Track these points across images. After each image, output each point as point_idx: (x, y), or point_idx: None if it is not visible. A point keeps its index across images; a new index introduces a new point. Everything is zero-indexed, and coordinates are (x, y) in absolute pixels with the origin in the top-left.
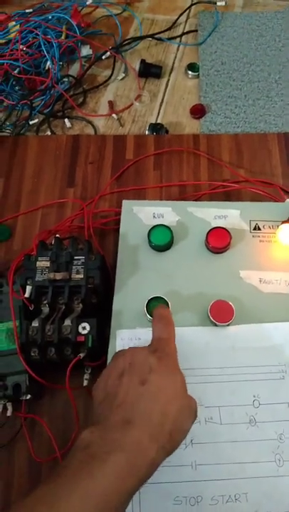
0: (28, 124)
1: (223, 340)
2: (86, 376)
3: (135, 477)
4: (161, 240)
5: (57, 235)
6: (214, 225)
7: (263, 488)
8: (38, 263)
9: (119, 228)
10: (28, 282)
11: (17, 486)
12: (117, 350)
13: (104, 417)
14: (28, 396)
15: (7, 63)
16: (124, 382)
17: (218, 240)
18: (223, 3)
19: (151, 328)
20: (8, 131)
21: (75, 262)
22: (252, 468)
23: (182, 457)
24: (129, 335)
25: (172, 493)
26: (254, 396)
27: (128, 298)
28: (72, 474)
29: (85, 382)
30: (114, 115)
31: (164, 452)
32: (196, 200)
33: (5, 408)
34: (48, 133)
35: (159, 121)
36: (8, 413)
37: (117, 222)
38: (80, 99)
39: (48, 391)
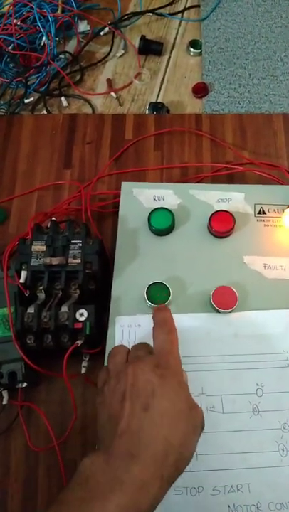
0: (23, 102)
1: (225, 328)
2: (84, 363)
3: None
4: (162, 224)
5: (53, 218)
6: (217, 208)
7: (265, 478)
8: (33, 247)
9: (118, 211)
10: (23, 267)
11: (14, 474)
12: (116, 337)
13: (107, 445)
14: (24, 384)
15: (0, 38)
16: (126, 408)
17: (222, 224)
18: None
19: (151, 315)
20: (2, 110)
21: (72, 247)
22: (254, 458)
23: None
24: (128, 321)
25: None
26: (257, 384)
27: (127, 283)
28: (72, 508)
29: (83, 370)
30: (112, 94)
31: (168, 484)
32: (198, 182)
33: (0, 396)
34: (44, 112)
35: (159, 100)
36: (4, 401)
37: (116, 205)
38: (78, 77)
39: (45, 379)
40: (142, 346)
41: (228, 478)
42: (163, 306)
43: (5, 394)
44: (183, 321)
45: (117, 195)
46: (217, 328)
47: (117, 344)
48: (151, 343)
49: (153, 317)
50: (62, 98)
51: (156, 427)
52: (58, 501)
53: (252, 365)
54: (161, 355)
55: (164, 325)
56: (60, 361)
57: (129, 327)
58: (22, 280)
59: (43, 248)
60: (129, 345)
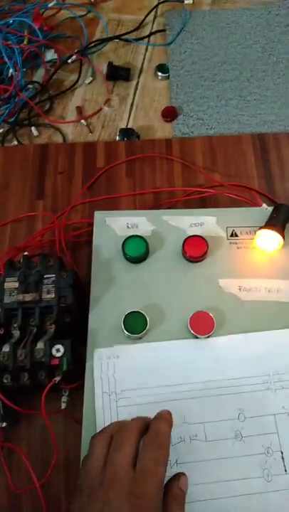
0: None
1: (205, 353)
2: (64, 399)
3: None
4: (136, 252)
5: (25, 253)
6: (190, 233)
7: (252, 505)
8: (6, 284)
9: (92, 240)
10: None
11: None
12: (96, 372)
13: None
14: (4, 424)
15: None
16: None
17: (195, 249)
18: (190, 2)
19: (130, 345)
20: None
21: (46, 281)
22: (240, 486)
23: (167, 479)
24: (107, 353)
25: None
26: (239, 409)
27: (104, 314)
28: None
29: (63, 405)
30: (82, 121)
31: None
32: (171, 207)
33: None
34: (15, 143)
35: (129, 125)
36: None
37: (90, 233)
38: (47, 106)
39: (24, 417)
40: (126, 445)
41: (215, 507)
42: (163, 413)
43: None
44: (164, 348)
45: (91, 224)
46: (197, 355)
47: (96, 378)
48: (132, 375)
49: (151, 425)
50: (33, 128)
51: None
52: None
53: (233, 390)
54: (141, 477)
55: (155, 437)
56: (39, 398)
57: (108, 359)
58: None
59: (16, 285)
60: (109, 380)
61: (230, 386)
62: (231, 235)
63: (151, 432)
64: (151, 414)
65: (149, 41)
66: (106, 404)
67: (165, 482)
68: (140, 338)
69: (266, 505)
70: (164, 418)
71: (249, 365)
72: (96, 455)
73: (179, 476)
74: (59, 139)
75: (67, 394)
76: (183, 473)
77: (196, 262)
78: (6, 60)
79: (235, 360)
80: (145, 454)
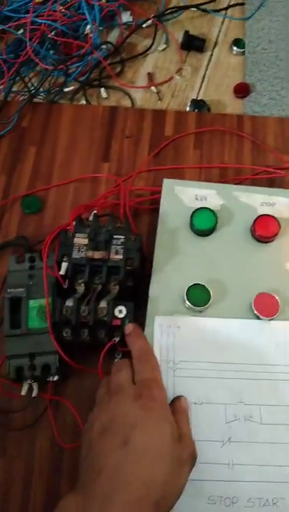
0: (63, 91)
1: (269, 336)
2: (116, 361)
3: None
4: (205, 224)
5: (95, 211)
6: (261, 212)
7: None
8: (75, 239)
9: (154, 208)
10: (65, 259)
11: (38, 468)
12: (155, 337)
13: (86, 484)
14: (56, 377)
15: (44, 23)
16: (105, 442)
17: (266, 229)
18: None
19: (192, 317)
20: (40, 97)
21: (114, 242)
22: None
23: (219, 455)
24: (168, 322)
25: (206, 492)
26: None
27: (166, 283)
28: None
29: None
30: (153, 88)
31: None
32: (237, 184)
33: (30, 388)
34: (83, 102)
35: (200, 97)
36: (34, 394)
37: (153, 202)
38: (118, 69)
39: (73, 374)
40: (124, 367)
41: (264, 490)
42: (133, 329)
43: (35, 386)
44: (227, 325)
45: (155, 192)
46: (261, 337)
47: (155, 344)
48: (192, 348)
49: (128, 346)
50: (102, 89)
51: (135, 464)
52: None
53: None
54: (143, 384)
55: (142, 354)
56: (92, 356)
57: (169, 327)
58: (62, 272)
59: (85, 241)
60: (168, 348)
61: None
62: None
63: (135, 352)
64: (209, 389)
65: (226, 13)
66: (163, 371)
67: None
68: (200, 311)
69: None
70: (135, 334)
71: None
72: (101, 389)
73: (179, 397)
74: (127, 103)
75: (120, 357)
76: (181, 395)
77: (265, 242)
78: (87, 15)
79: None
80: (139, 368)
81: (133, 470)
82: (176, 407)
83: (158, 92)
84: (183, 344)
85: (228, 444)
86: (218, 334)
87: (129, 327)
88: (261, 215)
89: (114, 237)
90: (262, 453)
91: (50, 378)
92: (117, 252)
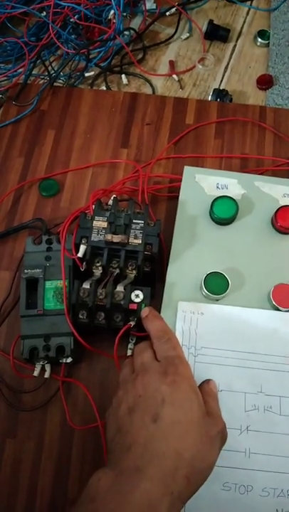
0: (83, 76)
1: None
2: (130, 346)
3: None
4: (226, 213)
5: (114, 195)
6: (282, 203)
7: None
8: (94, 222)
9: (172, 196)
10: (83, 242)
11: (48, 448)
12: (178, 323)
13: (116, 460)
14: (70, 359)
15: (68, 7)
16: (134, 419)
17: (288, 220)
18: None
19: (216, 305)
20: (61, 81)
21: (134, 226)
22: None
23: (236, 443)
24: (192, 308)
25: (222, 478)
26: None
27: (183, 270)
28: None
29: (129, 352)
30: (174, 76)
31: (179, 502)
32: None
33: (43, 369)
34: (103, 88)
35: (222, 87)
36: (46, 375)
37: (172, 190)
38: (140, 56)
39: (86, 357)
40: (145, 349)
41: (280, 481)
42: (149, 312)
43: (48, 367)
44: (249, 315)
45: (174, 180)
46: (283, 328)
47: (178, 328)
48: (214, 335)
49: (146, 329)
50: (123, 76)
51: (164, 438)
52: None
53: None
54: (168, 362)
55: (161, 335)
56: (105, 339)
57: (192, 313)
58: (80, 254)
59: (104, 224)
60: (190, 333)
61: None
62: None
63: (154, 332)
64: (229, 377)
65: (251, 4)
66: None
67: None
68: (217, 300)
69: None
70: (152, 316)
71: None
72: (124, 370)
73: (208, 381)
74: (148, 90)
75: (134, 342)
76: (210, 379)
77: (286, 233)
78: (112, 0)
79: None
80: (161, 347)
81: (162, 444)
82: (206, 389)
83: (179, 81)
84: (205, 331)
85: (246, 433)
86: (241, 323)
87: (145, 310)
88: (283, 206)
89: (134, 221)
90: (279, 444)
91: (64, 360)
92: (136, 237)
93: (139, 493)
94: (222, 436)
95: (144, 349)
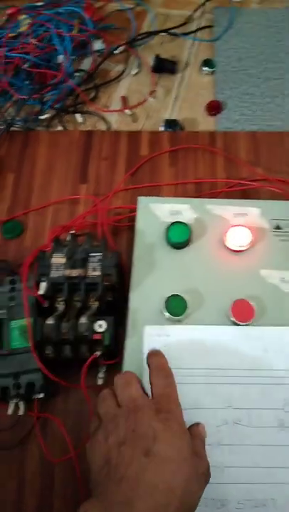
0: (39, 119)
1: (255, 342)
2: (100, 375)
3: None
4: (180, 237)
5: (72, 231)
6: (234, 223)
7: None
8: (53, 259)
9: (133, 226)
10: (43, 279)
11: (29, 485)
12: (145, 346)
13: (105, 492)
14: (42, 395)
15: (18, 57)
16: (126, 454)
17: (238, 239)
18: None
19: (181, 326)
20: (17, 126)
21: (91, 259)
22: (281, 474)
23: (209, 458)
24: (158, 331)
25: None
26: (285, 400)
27: (145, 295)
28: None
29: (100, 381)
30: (127, 111)
31: None
32: (212, 198)
33: (17, 407)
34: (60, 128)
35: (173, 117)
36: (20, 412)
37: (131, 219)
38: (92, 94)
39: (61, 390)
40: (132, 382)
41: (254, 492)
42: (156, 350)
43: (21, 405)
44: (213, 332)
45: (133, 210)
46: (243, 342)
47: (144, 354)
48: (181, 355)
49: (147, 362)
50: (78, 115)
51: (157, 473)
52: None
53: (280, 380)
54: (162, 399)
55: (160, 370)
56: (77, 372)
57: (158, 336)
58: (41, 291)
59: (63, 260)
60: None
61: (276, 377)
62: (275, 228)
63: (154, 366)
64: (198, 394)
65: (196, 36)
66: None
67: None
68: (179, 321)
69: None
70: (157, 354)
71: None
72: (106, 402)
73: (197, 424)
74: (103, 127)
75: (104, 370)
76: (200, 423)
77: (239, 251)
78: (58, 47)
79: (284, 352)
80: (157, 382)
81: (154, 478)
82: (195, 431)
83: (132, 115)
84: (172, 352)
85: (219, 448)
86: (204, 341)
87: (154, 350)
88: (233, 226)
89: (91, 254)
90: (251, 455)
91: (36, 396)
92: (94, 269)
93: None
94: (208, 474)
95: (130, 381)
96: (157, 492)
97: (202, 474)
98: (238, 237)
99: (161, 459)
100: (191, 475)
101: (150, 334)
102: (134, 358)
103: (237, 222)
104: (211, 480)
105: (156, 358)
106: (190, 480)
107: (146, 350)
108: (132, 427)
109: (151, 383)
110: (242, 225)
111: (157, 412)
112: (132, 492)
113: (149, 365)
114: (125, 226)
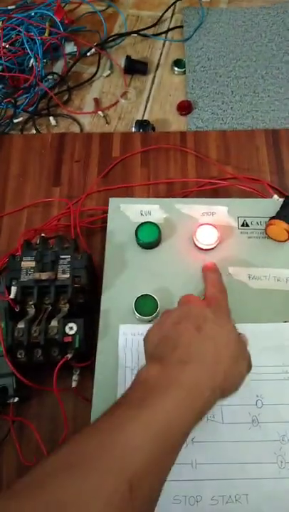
0: (13, 122)
1: None
2: (74, 377)
3: (193, 412)
4: (149, 237)
5: (42, 234)
6: (202, 221)
7: (263, 489)
8: (22, 263)
9: (106, 227)
10: (13, 283)
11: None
12: (120, 345)
13: (161, 357)
14: (16, 399)
15: None
16: (180, 328)
17: (206, 237)
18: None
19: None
20: None
21: (61, 262)
22: (253, 469)
23: (182, 455)
24: (132, 330)
25: (171, 492)
26: (257, 396)
27: (116, 296)
28: (133, 405)
29: (74, 384)
30: (100, 112)
31: (219, 392)
32: (183, 197)
33: None
34: (33, 131)
35: (145, 117)
36: None
37: (104, 220)
38: (65, 97)
39: (36, 393)
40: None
41: (227, 488)
42: (212, 266)
43: None
44: None
45: (106, 211)
46: None
47: (120, 352)
48: None
49: (204, 276)
50: (51, 118)
51: (207, 342)
52: (118, 403)
53: (252, 376)
54: (212, 300)
55: (216, 284)
56: (51, 376)
57: (133, 335)
58: (12, 296)
59: (33, 264)
60: (132, 354)
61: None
62: (242, 225)
63: (211, 281)
64: None
65: (166, 37)
66: (128, 377)
67: None
68: (150, 320)
69: (277, 490)
70: (214, 270)
71: (269, 355)
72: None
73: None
74: (76, 129)
75: (78, 373)
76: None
77: (207, 249)
78: (28, 50)
79: (256, 348)
80: (212, 290)
81: (205, 346)
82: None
83: (105, 116)
84: None
85: (192, 444)
86: None
87: (210, 263)
88: (201, 225)
89: (61, 257)
90: (223, 451)
91: (10, 400)
92: (64, 272)
93: (188, 375)
94: (249, 364)
95: (193, 301)
96: (208, 354)
97: (246, 359)
98: (206, 236)
99: (212, 335)
100: (235, 356)
101: (125, 333)
102: (106, 359)
103: (205, 221)
104: (183, 477)
105: (213, 275)
106: (236, 355)
107: (121, 349)
108: (185, 310)
109: (205, 292)
110: (209, 224)
111: (208, 304)
112: (187, 355)
113: (205, 279)
114: (99, 227)
